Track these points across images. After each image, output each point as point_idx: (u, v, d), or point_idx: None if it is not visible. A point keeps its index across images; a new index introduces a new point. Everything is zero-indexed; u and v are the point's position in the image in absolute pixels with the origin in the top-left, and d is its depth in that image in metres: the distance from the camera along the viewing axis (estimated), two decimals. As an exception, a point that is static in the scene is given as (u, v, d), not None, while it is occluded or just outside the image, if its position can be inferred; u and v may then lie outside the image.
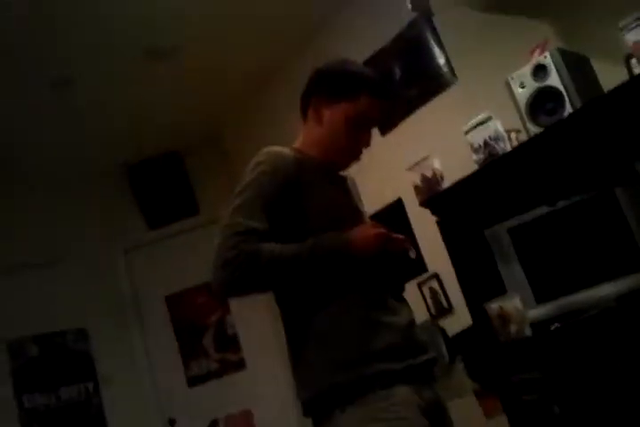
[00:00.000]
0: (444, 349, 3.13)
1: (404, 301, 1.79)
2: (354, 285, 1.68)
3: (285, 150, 1.75)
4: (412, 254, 1.79)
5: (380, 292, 1.71)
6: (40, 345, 4.31)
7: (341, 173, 1.89)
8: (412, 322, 1.76)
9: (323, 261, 1.63)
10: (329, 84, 1.81)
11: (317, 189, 1.70)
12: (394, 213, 3.44)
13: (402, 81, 3.63)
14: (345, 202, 1.79)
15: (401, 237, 1.73)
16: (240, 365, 4.53)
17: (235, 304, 4.34)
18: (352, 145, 1.81)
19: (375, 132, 3.65)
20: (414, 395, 1.61)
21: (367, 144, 1.84)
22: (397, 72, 3.66)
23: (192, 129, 4.67)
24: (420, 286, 3.36)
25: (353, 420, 1.56)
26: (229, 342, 4.58)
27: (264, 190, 1.65)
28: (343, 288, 1.68)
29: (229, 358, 4.58)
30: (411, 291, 3.32)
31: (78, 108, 4.07)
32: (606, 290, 2.35)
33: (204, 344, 4.64)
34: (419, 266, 3.30)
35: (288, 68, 4.08)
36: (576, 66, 2.71)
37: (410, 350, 1.67)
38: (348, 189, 1.88)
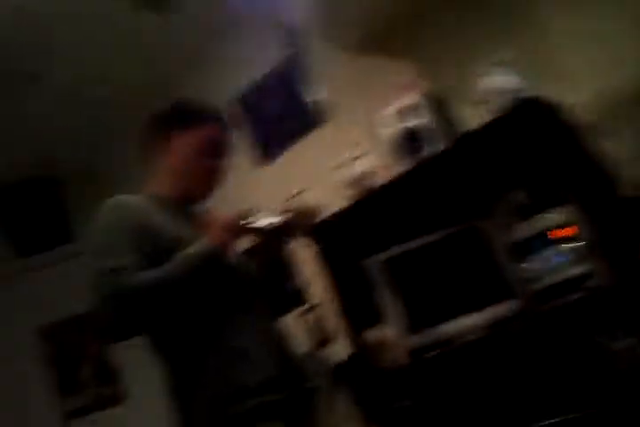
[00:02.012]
0: (327, 378, 3.21)
1: (270, 321, 1.85)
2: (218, 308, 1.71)
3: (128, 198, 1.77)
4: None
5: (244, 317, 1.75)
6: None
7: (199, 206, 1.94)
8: (285, 349, 1.82)
9: (193, 269, 1.64)
10: (174, 116, 1.91)
11: (165, 229, 1.73)
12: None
13: (276, 117, 3.72)
14: (191, 234, 1.77)
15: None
16: (118, 399, 4.32)
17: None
18: (204, 172, 1.88)
19: (252, 164, 3.75)
20: None
21: (220, 170, 1.91)
22: (272, 107, 3.74)
23: (69, 155, 4.45)
24: (301, 316, 3.43)
25: None
26: (108, 375, 4.37)
27: (117, 235, 1.66)
28: (208, 315, 1.70)
29: (107, 391, 4.37)
30: (292, 322, 3.44)
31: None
32: (477, 318, 2.53)
33: (82, 376, 4.43)
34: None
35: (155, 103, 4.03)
36: (439, 107, 2.91)
37: (284, 380, 1.71)
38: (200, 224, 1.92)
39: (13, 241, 4.49)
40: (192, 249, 1.65)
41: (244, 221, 1.74)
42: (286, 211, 1.84)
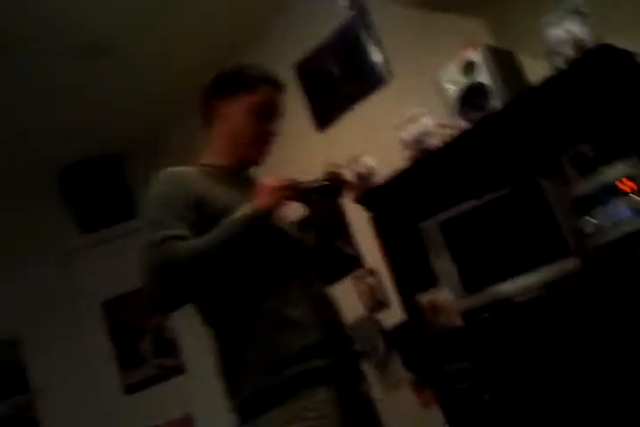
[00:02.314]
0: (380, 342, 3.15)
1: (323, 292, 1.81)
2: (266, 275, 1.69)
3: (180, 169, 1.78)
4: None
5: (292, 283, 1.72)
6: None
7: (251, 173, 1.93)
8: (332, 314, 1.78)
9: (246, 233, 1.63)
10: (226, 83, 1.87)
11: (216, 197, 1.72)
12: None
13: (339, 78, 3.65)
14: (241, 203, 1.74)
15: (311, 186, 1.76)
16: (179, 369, 4.42)
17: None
18: (257, 134, 1.85)
19: (312, 129, 3.71)
20: (337, 392, 1.64)
21: (273, 133, 1.88)
22: (335, 69, 3.68)
23: (132, 131, 4.55)
24: (356, 281, 3.38)
25: (279, 421, 1.58)
26: (168, 347, 4.46)
27: (170, 206, 1.66)
28: (256, 282, 1.68)
29: (168, 363, 4.47)
30: (347, 286, 3.39)
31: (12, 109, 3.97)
32: (534, 278, 2.40)
33: (142, 350, 4.52)
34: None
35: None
36: (503, 62, 2.77)
37: (330, 345, 1.69)
38: (254, 192, 1.90)
39: (79, 218, 4.63)
40: (237, 213, 1.64)
41: (289, 184, 1.71)
42: (330, 173, 1.80)
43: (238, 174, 1.88)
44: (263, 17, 3.87)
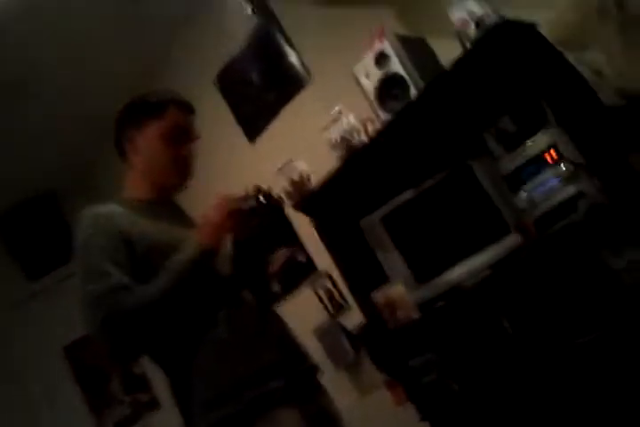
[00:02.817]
0: (347, 345, 3.12)
1: (266, 312, 1.77)
2: (203, 307, 1.64)
3: (105, 207, 1.72)
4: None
5: (230, 310, 1.68)
6: None
7: (175, 201, 1.88)
8: (279, 333, 1.75)
9: (192, 274, 1.58)
10: (133, 113, 1.82)
11: (144, 231, 1.67)
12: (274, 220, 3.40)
13: (260, 86, 3.61)
14: (176, 236, 1.71)
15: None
16: (154, 404, 4.27)
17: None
18: (174, 159, 1.80)
19: (243, 140, 3.67)
20: (298, 411, 1.61)
21: (189, 155, 1.83)
22: (255, 77, 3.63)
23: (62, 166, 4.46)
24: (313, 287, 3.34)
25: None
26: (139, 382, 4.30)
27: (101, 249, 1.61)
28: (194, 316, 1.63)
29: (142, 398, 4.32)
30: (306, 293, 3.36)
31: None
32: (480, 260, 2.40)
33: (112, 389, 4.39)
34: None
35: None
36: (415, 49, 2.75)
37: (282, 365, 1.66)
38: (182, 219, 1.85)
39: (23, 265, 4.50)
40: (184, 255, 1.59)
41: (230, 212, 1.64)
42: (259, 190, 1.75)
43: (163, 204, 1.84)
44: (174, 39, 3.81)
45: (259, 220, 1.74)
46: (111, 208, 1.73)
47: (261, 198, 1.71)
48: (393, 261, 2.60)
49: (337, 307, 3.24)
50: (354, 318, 3.13)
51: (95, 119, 4.19)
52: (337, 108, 2.87)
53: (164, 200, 1.86)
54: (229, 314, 1.68)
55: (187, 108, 1.86)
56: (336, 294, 3.24)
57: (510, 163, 2.29)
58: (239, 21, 3.50)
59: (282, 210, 1.87)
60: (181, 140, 1.82)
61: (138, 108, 1.84)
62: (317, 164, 3.07)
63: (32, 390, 4.26)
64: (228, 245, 1.76)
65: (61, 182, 4.56)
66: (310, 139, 3.16)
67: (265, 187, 1.82)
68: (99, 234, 1.63)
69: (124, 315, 1.50)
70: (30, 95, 3.76)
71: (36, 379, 4.28)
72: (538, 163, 2.21)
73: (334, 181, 2.78)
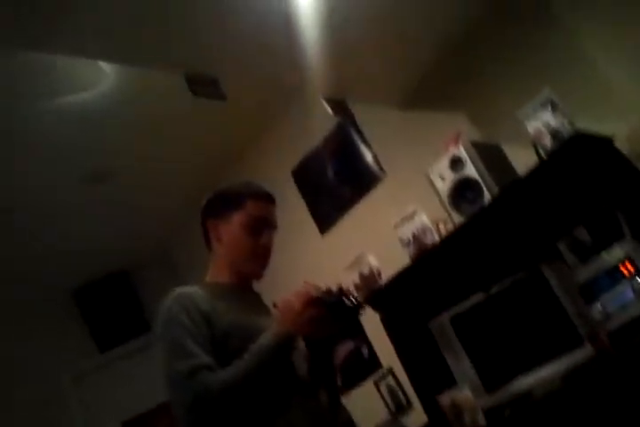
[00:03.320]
0: (408, 447, 3.06)
1: (332, 402, 1.78)
2: (271, 394, 1.65)
3: (189, 288, 1.78)
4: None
5: (295, 399, 1.68)
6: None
7: (254, 288, 1.92)
8: (342, 424, 1.75)
9: (271, 362, 1.60)
10: (216, 204, 1.91)
11: (224, 314, 1.71)
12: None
13: (335, 181, 3.75)
14: (256, 320, 1.76)
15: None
16: None
17: None
18: (254, 248, 1.86)
19: (315, 232, 3.77)
20: None
21: (267, 246, 1.88)
22: (330, 173, 3.79)
23: (139, 247, 4.69)
24: (376, 383, 3.32)
25: None
26: None
27: (185, 329, 1.65)
28: (262, 404, 1.64)
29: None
30: (368, 389, 3.33)
31: (21, 237, 4.08)
32: (550, 370, 2.36)
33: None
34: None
35: (227, 182, 4.17)
36: (489, 154, 2.84)
37: None
38: (259, 305, 1.91)
39: (94, 337, 4.66)
40: (265, 340, 1.62)
41: (312, 300, 1.66)
42: (341, 289, 1.79)
43: (243, 290, 1.89)
44: (257, 129, 4.02)
45: (337, 318, 1.77)
46: (194, 290, 1.78)
47: (347, 301, 1.74)
48: (461, 364, 2.59)
49: (398, 405, 3.20)
50: (415, 419, 3.08)
51: (171, 206, 4.45)
52: (411, 207, 2.95)
53: (244, 286, 1.92)
54: (305, 400, 1.69)
55: (266, 199, 1.93)
56: (399, 393, 3.20)
57: (585, 273, 2.30)
58: (319, 119, 3.66)
59: (359, 313, 1.88)
60: (261, 229, 1.88)
61: (219, 201, 1.92)
62: (388, 260, 3.12)
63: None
64: (302, 344, 1.79)
65: (136, 262, 4.78)
66: (381, 235, 3.23)
67: (347, 287, 1.87)
68: (182, 313, 1.68)
69: (213, 397, 1.53)
70: (113, 183, 4.00)
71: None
72: (613, 275, 2.21)
73: (405, 279, 2.81)
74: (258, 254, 1.88)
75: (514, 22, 2.97)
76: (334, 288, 1.74)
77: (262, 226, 1.89)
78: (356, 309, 1.75)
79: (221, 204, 1.91)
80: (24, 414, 4.20)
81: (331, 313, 1.69)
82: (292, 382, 1.71)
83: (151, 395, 4.19)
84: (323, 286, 1.76)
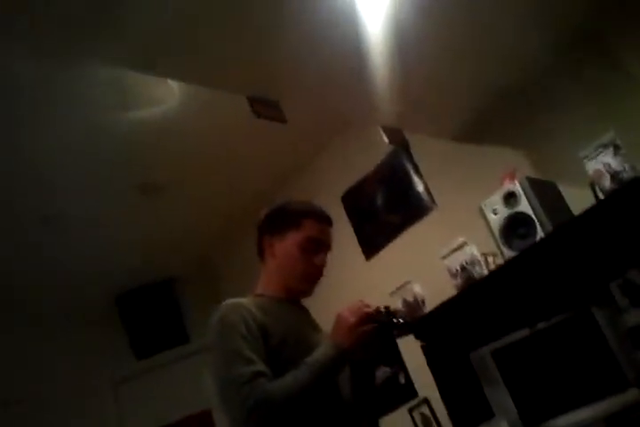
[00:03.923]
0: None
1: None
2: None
3: (241, 300, 1.81)
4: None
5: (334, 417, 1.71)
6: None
7: (302, 304, 1.95)
8: None
9: (325, 375, 1.64)
10: (274, 220, 1.95)
11: (278, 325, 1.75)
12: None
13: (384, 208, 3.79)
14: (307, 333, 1.81)
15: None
16: None
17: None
18: (307, 267, 1.88)
19: (360, 257, 3.81)
20: None
21: (320, 265, 1.91)
22: (380, 199, 3.83)
23: (182, 257, 4.78)
24: (410, 411, 3.31)
25: None
26: None
27: (242, 337, 1.67)
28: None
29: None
30: (402, 417, 3.32)
31: (70, 241, 4.19)
32: (593, 411, 2.34)
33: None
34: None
35: (276, 201, 4.23)
36: (544, 192, 2.86)
37: None
38: (309, 320, 1.94)
39: (133, 344, 4.75)
40: (320, 354, 1.66)
41: (367, 316, 1.69)
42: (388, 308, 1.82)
43: (290, 304, 1.92)
44: (310, 152, 4.11)
45: (385, 337, 1.79)
46: (247, 301, 1.81)
47: (396, 321, 1.76)
48: (500, 397, 2.58)
49: (431, 435, 3.19)
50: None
51: (217, 221, 4.54)
52: (461, 239, 2.97)
53: (294, 301, 1.95)
54: (346, 422, 1.71)
55: (324, 221, 1.96)
56: (432, 423, 3.19)
57: (635, 317, 2.29)
58: (374, 146, 3.72)
59: (406, 334, 1.90)
60: (314, 250, 1.91)
61: (278, 217, 1.96)
62: (431, 289, 3.14)
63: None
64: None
65: (179, 273, 4.88)
66: (427, 264, 3.26)
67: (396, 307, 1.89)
68: (240, 323, 1.70)
69: (274, 403, 1.55)
70: (163, 195, 4.13)
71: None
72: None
73: (450, 309, 2.83)
74: (310, 274, 1.91)
75: (584, 63, 3.00)
76: (384, 308, 1.78)
77: (318, 247, 1.92)
78: (405, 329, 1.78)
79: (279, 220, 1.95)
80: (62, 417, 4.27)
81: (380, 332, 1.73)
82: (336, 402, 1.74)
83: (185, 404, 4.28)
84: (374, 304, 1.80)
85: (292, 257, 1.89)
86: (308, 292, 1.94)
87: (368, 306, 1.72)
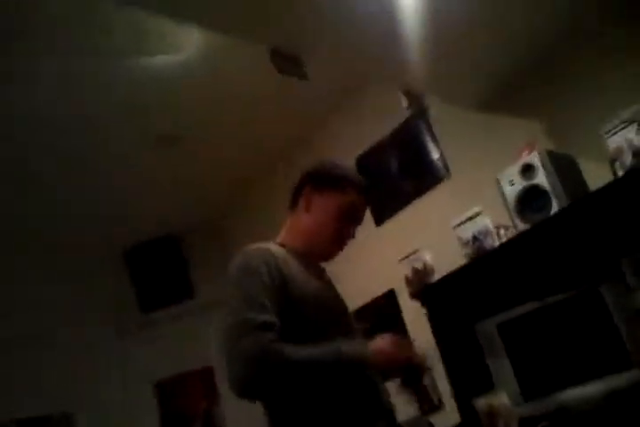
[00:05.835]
0: (432, 445, 3.07)
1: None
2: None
3: (266, 245, 1.78)
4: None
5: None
6: (23, 431, 4.20)
7: (321, 264, 1.92)
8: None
9: (342, 368, 1.64)
10: (322, 175, 1.91)
11: (300, 279, 1.73)
12: (386, 304, 3.45)
13: (398, 174, 3.75)
14: (326, 291, 1.81)
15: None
16: None
17: (225, 395, 4.26)
18: (338, 234, 1.86)
19: (370, 223, 3.77)
20: None
21: (351, 236, 1.89)
22: (394, 165, 3.79)
23: (190, 213, 4.78)
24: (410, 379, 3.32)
25: None
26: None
27: (263, 283, 1.65)
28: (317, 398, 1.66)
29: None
30: (400, 386, 3.33)
31: (82, 195, 4.18)
32: (594, 388, 2.33)
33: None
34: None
35: (289, 161, 4.21)
36: (563, 166, 2.80)
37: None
38: (328, 280, 1.92)
39: (139, 297, 4.81)
40: (353, 351, 1.66)
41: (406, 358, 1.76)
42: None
43: (311, 261, 1.88)
44: (329, 112, 4.05)
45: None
46: (274, 248, 1.78)
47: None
48: (502, 370, 2.58)
49: (429, 405, 3.20)
50: (444, 420, 3.09)
51: (229, 178, 4.52)
52: (476, 209, 2.93)
53: (313, 258, 1.89)
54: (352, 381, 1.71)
55: (363, 191, 1.92)
56: (431, 392, 3.20)
57: (645, 296, 2.26)
58: (391, 110, 3.66)
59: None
60: (351, 219, 1.88)
61: (327, 174, 1.92)
62: (441, 258, 3.12)
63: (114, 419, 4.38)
64: None
65: (187, 228, 4.89)
66: (438, 233, 3.23)
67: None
68: (263, 268, 1.68)
69: (274, 365, 1.54)
70: (176, 149, 4.10)
71: (122, 409, 4.40)
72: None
73: (459, 278, 2.81)
74: (336, 240, 1.88)
75: (611, 36, 2.92)
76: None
77: (354, 215, 1.89)
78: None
79: (327, 177, 1.91)
80: (66, 356, 4.37)
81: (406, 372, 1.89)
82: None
83: (187, 359, 4.32)
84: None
85: (329, 217, 1.85)
86: (328, 256, 1.91)
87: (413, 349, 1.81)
